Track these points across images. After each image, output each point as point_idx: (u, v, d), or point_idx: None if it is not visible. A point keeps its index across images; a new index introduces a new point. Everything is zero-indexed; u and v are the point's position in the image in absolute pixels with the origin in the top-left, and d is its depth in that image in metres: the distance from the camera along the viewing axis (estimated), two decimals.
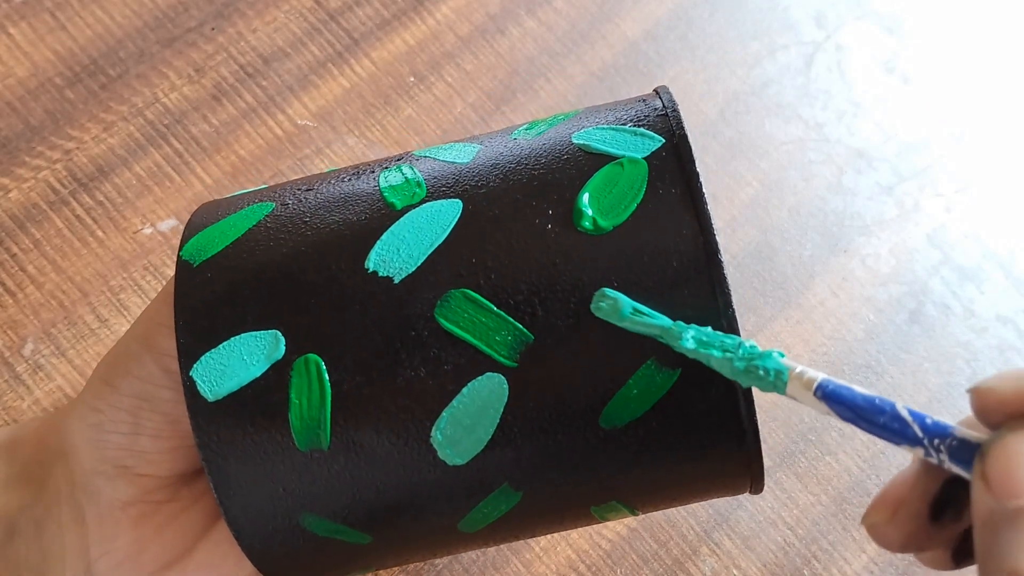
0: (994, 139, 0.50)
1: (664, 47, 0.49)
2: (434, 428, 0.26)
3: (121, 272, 0.41)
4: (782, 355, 0.25)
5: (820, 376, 0.24)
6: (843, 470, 0.42)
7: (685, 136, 0.27)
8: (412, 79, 0.47)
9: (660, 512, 0.40)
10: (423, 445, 0.27)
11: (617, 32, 0.49)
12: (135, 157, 0.43)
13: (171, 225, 0.42)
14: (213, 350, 0.27)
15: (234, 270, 0.28)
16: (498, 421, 0.26)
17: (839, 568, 0.40)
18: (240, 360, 0.27)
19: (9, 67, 0.44)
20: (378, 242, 0.27)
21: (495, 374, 0.26)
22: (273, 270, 0.27)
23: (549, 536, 0.39)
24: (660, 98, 0.29)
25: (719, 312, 0.26)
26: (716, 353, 0.25)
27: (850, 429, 0.43)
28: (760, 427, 0.43)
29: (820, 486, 0.42)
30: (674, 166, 0.27)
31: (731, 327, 0.26)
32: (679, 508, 0.40)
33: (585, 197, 0.27)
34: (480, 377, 0.26)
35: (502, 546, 0.39)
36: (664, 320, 0.25)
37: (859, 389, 0.24)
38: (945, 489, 0.25)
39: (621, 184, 0.27)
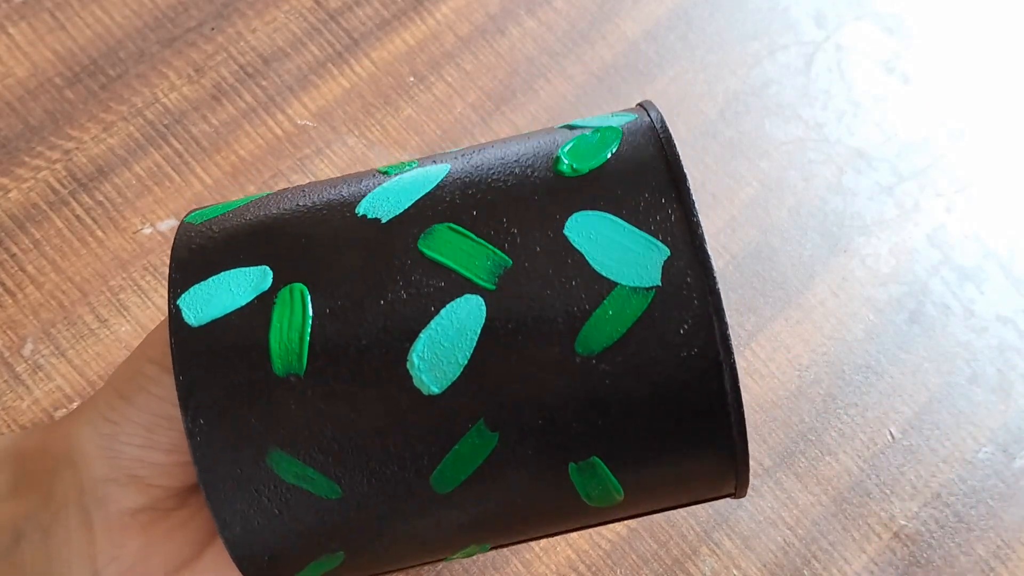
0: (994, 139, 0.50)
1: (664, 47, 0.49)
2: (411, 351, 0.27)
3: (121, 272, 0.41)
4: None
5: None
6: (843, 470, 0.42)
7: (659, 113, 0.30)
8: (412, 79, 0.47)
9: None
10: (399, 368, 0.27)
11: (617, 32, 0.49)
12: (135, 157, 0.43)
13: (171, 225, 0.42)
14: (202, 282, 0.28)
15: (232, 222, 0.30)
16: (475, 343, 0.27)
17: (839, 568, 0.40)
18: (227, 291, 0.28)
19: (9, 67, 0.44)
20: (369, 194, 0.29)
21: (473, 296, 0.27)
22: (269, 220, 0.29)
23: None
24: (643, 107, 0.31)
25: (691, 235, 0.27)
26: None
27: (850, 429, 0.43)
28: (760, 427, 0.43)
29: (820, 486, 0.42)
30: (647, 126, 0.29)
31: (699, 244, 0.27)
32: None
33: (565, 149, 0.29)
34: (459, 299, 0.27)
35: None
36: None
37: None
38: None
39: (597, 142, 0.29)
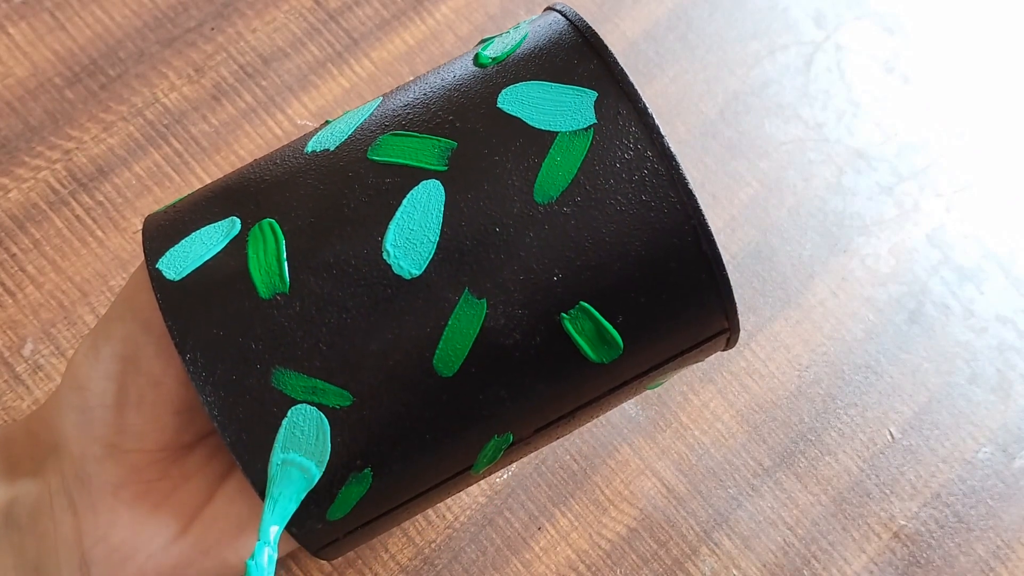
0: (994, 139, 0.50)
1: (664, 47, 0.49)
2: (384, 242, 0.28)
3: (121, 272, 0.41)
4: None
5: None
6: (843, 470, 0.42)
7: (563, 5, 0.32)
8: (412, 79, 0.47)
9: (660, 512, 0.40)
10: (377, 261, 0.28)
11: (617, 32, 0.49)
12: (135, 157, 0.43)
13: None
14: (175, 246, 0.29)
15: (192, 197, 0.31)
16: (441, 220, 0.28)
17: (839, 568, 0.40)
18: (201, 245, 0.29)
19: (9, 67, 0.44)
20: (314, 137, 0.31)
21: (429, 180, 0.28)
22: (227, 183, 0.31)
23: (549, 536, 0.39)
24: (548, 8, 0.33)
25: (613, 75, 0.29)
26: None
27: (850, 429, 0.43)
28: (760, 427, 0.43)
29: (820, 486, 0.42)
30: (551, 15, 0.31)
31: (622, 78, 0.29)
32: (679, 508, 0.40)
33: (482, 49, 0.31)
34: (417, 186, 0.28)
35: (502, 547, 0.39)
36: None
37: None
38: None
39: (509, 37, 0.31)
